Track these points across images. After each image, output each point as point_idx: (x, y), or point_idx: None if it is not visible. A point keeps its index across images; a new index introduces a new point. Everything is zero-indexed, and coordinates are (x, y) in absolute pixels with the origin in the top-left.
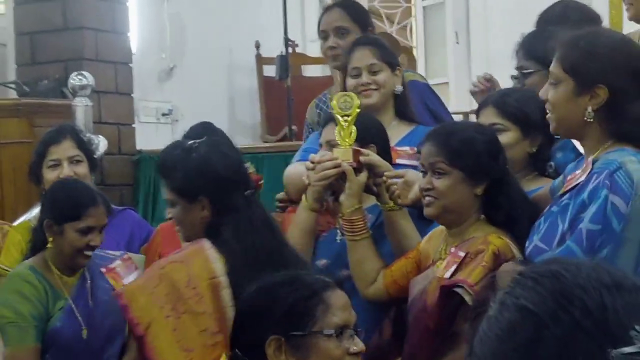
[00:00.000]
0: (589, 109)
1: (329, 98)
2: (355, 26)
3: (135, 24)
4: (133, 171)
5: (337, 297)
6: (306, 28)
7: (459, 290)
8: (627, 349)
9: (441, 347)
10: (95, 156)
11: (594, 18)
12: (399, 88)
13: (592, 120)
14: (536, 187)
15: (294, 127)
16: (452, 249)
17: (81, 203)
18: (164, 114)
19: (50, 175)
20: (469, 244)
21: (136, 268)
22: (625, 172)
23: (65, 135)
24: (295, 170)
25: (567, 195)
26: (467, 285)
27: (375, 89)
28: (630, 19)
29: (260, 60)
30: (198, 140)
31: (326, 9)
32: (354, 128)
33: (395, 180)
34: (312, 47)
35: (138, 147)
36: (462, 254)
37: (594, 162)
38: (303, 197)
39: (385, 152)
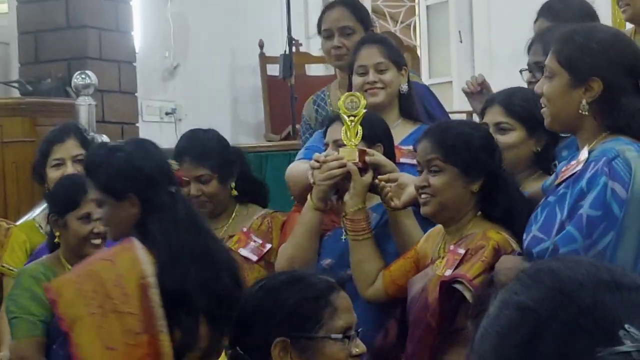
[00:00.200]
0: (584, 101)
1: (327, 95)
2: (359, 26)
3: (138, 23)
4: None
5: (343, 300)
6: (310, 27)
7: (458, 286)
8: (616, 349)
9: (443, 345)
10: None
11: (591, 14)
12: (404, 87)
13: (586, 113)
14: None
15: (297, 126)
16: (451, 247)
17: (77, 191)
18: (167, 113)
19: (54, 175)
20: (468, 240)
21: None
22: (623, 160)
23: (69, 134)
24: (298, 168)
25: (563, 185)
26: (466, 279)
27: (382, 88)
28: (627, 20)
29: (264, 59)
30: (121, 141)
31: (328, 7)
32: (360, 128)
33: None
34: (316, 45)
35: None
36: (462, 251)
37: (590, 152)
38: (308, 196)
39: (390, 151)
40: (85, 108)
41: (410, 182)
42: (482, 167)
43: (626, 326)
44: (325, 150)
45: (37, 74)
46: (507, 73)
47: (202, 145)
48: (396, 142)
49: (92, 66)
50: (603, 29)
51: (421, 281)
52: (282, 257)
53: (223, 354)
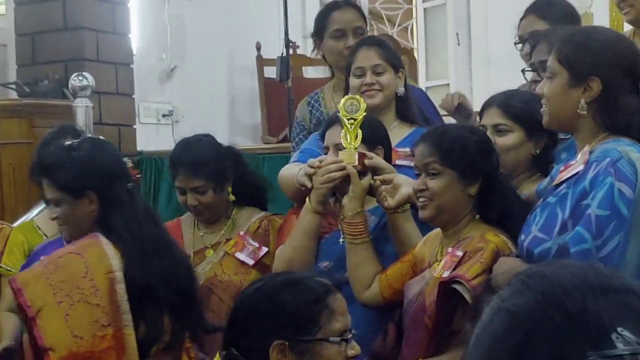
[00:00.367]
0: (582, 101)
1: (321, 97)
2: (366, 28)
3: (136, 25)
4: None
5: (339, 302)
6: (307, 29)
7: (457, 287)
8: (608, 352)
9: (439, 347)
10: None
11: (575, 15)
12: (401, 90)
13: (585, 112)
14: None
15: None
16: (449, 250)
17: None
18: (164, 115)
19: None
20: (466, 243)
21: None
22: (628, 161)
23: (66, 136)
24: (290, 172)
25: (564, 185)
26: (465, 279)
27: (379, 90)
28: (629, 21)
29: (261, 62)
30: (76, 140)
31: (334, 6)
32: (359, 131)
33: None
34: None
35: (139, 148)
36: (460, 254)
37: (590, 152)
38: (307, 199)
39: (388, 154)
40: (82, 110)
41: (404, 182)
42: (480, 170)
43: (619, 329)
44: (324, 153)
45: (35, 76)
46: (505, 76)
47: (196, 156)
48: (392, 144)
49: (89, 68)
50: (604, 31)
51: (418, 284)
52: (280, 260)
53: (217, 355)
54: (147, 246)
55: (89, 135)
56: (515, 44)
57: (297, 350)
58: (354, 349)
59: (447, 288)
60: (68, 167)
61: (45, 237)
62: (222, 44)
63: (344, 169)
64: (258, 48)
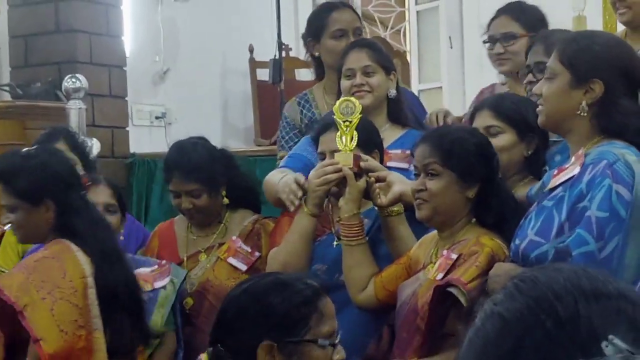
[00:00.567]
0: (584, 103)
1: (311, 98)
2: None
3: (129, 28)
4: (126, 174)
5: (328, 305)
6: (300, 32)
7: (453, 290)
8: (598, 359)
9: (432, 348)
10: (90, 158)
11: (544, 19)
12: (392, 92)
13: (585, 114)
14: None
15: None
16: (444, 252)
17: None
18: (157, 117)
19: None
20: (461, 246)
21: (169, 274)
22: (625, 163)
23: (58, 138)
24: (273, 179)
25: (560, 189)
26: (461, 284)
27: (369, 91)
28: (623, 22)
29: (254, 64)
30: (32, 148)
31: (334, 7)
32: (355, 133)
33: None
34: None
35: (131, 150)
36: (454, 256)
37: (585, 155)
38: (302, 203)
39: (382, 158)
40: (75, 112)
41: (397, 181)
42: (479, 173)
43: (609, 337)
44: (320, 159)
45: (28, 78)
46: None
47: (191, 160)
48: (384, 146)
49: (82, 70)
50: (603, 34)
51: (412, 286)
52: (275, 263)
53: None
54: (109, 252)
55: (45, 145)
56: (485, 42)
57: (285, 352)
58: (340, 353)
59: (441, 291)
60: (25, 175)
61: None
62: (214, 47)
63: (340, 170)
64: (251, 50)
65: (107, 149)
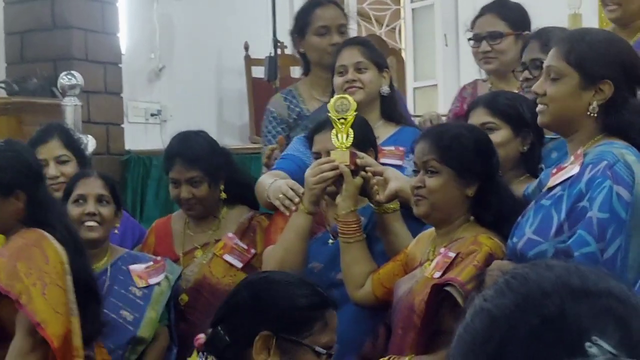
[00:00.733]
0: (595, 104)
1: (298, 93)
2: (347, 25)
3: (124, 25)
4: (121, 171)
5: (334, 320)
6: None
7: (450, 289)
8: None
9: (428, 346)
10: (85, 154)
11: (528, 17)
12: (385, 89)
13: (595, 115)
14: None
15: None
16: (442, 250)
17: (73, 178)
18: (152, 114)
19: None
20: (459, 244)
21: (163, 271)
22: (625, 164)
23: (53, 134)
24: (264, 183)
25: (559, 188)
26: (459, 283)
27: (360, 88)
28: (613, 19)
29: (249, 62)
30: (1, 140)
31: (318, 4)
32: (351, 130)
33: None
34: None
35: (127, 147)
36: (452, 255)
37: (584, 154)
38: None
39: (375, 154)
40: (71, 108)
41: (394, 177)
42: (478, 171)
43: (593, 337)
44: (315, 158)
45: (23, 74)
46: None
47: (194, 148)
48: (377, 142)
49: (78, 67)
50: (603, 32)
51: (408, 283)
52: (271, 261)
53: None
54: (78, 243)
55: (9, 138)
56: (469, 39)
57: (282, 347)
58: None
59: (439, 290)
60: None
61: None
62: (210, 44)
63: (336, 168)
64: (246, 48)
65: (103, 146)
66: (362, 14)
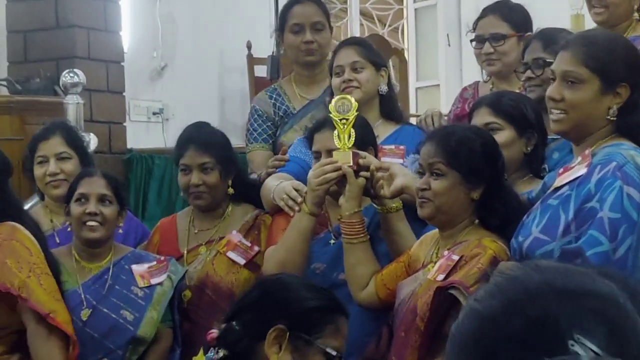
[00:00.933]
0: (615, 107)
1: (282, 91)
2: (327, 23)
3: (127, 23)
4: (124, 170)
5: (345, 327)
6: None
7: (454, 291)
8: (565, 358)
9: (430, 349)
10: (88, 152)
11: (530, 19)
12: (383, 88)
13: (614, 119)
14: (530, 189)
15: None
16: (445, 252)
17: (77, 176)
18: (154, 113)
19: (38, 172)
20: (463, 247)
21: (166, 271)
22: (635, 165)
23: (54, 131)
24: (269, 184)
25: (566, 188)
26: (463, 287)
27: (357, 87)
28: (599, 22)
29: (252, 61)
30: None
31: (297, 1)
32: (352, 131)
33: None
34: None
35: (129, 146)
36: (455, 258)
37: (592, 154)
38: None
39: (375, 153)
40: (73, 107)
41: (400, 173)
42: (484, 175)
43: (576, 337)
44: (314, 157)
45: (26, 73)
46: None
47: (208, 134)
48: (377, 141)
49: (80, 65)
50: (609, 33)
51: (411, 285)
52: (273, 261)
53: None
54: (42, 236)
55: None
56: (471, 40)
57: (294, 344)
58: None
59: (442, 292)
60: None
61: None
62: (212, 43)
63: (339, 169)
64: (249, 47)
65: (105, 145)
66: (364, 14)
